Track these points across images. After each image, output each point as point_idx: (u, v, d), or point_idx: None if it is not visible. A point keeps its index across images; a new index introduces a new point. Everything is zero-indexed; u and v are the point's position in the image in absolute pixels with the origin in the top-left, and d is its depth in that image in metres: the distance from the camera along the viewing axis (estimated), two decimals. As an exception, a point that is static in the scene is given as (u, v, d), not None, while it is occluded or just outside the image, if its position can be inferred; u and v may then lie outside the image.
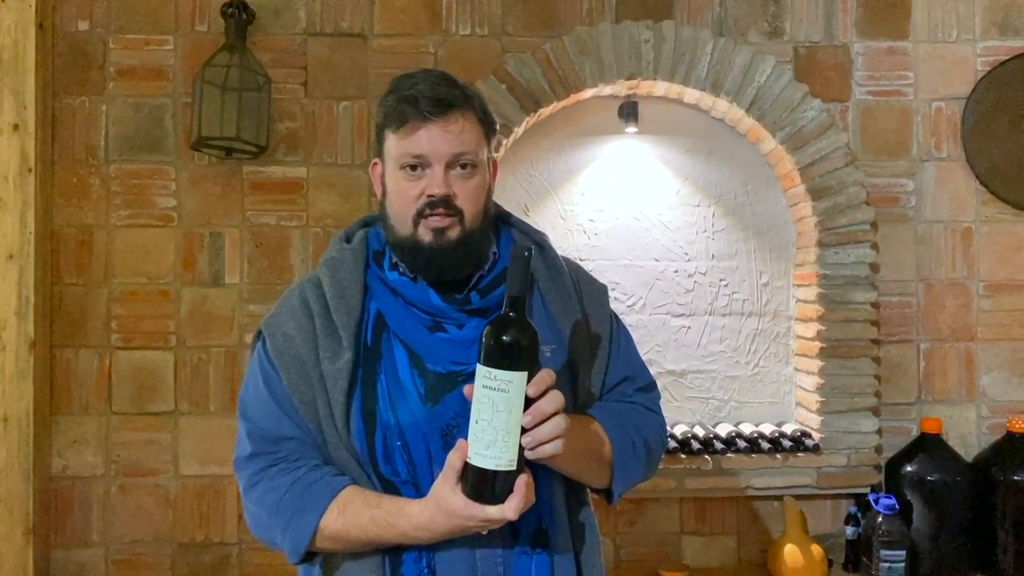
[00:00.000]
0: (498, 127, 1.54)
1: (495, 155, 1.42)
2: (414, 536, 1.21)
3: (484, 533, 1.23)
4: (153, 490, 2.56)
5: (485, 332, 1.13)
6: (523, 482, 1.13)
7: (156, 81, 2.59)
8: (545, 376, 1.15)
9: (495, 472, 1.11)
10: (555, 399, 1.15)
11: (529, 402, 1.13)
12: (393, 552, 1.26)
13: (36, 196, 2.47)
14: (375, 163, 1.39)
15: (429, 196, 1.28)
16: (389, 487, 1.27)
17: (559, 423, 1.14)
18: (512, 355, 1.11)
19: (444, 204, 1.28)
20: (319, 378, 1.29)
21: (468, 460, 1.12)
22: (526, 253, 1.15)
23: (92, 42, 2.59)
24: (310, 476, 1.28)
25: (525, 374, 1.11)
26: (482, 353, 1.12)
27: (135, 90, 2.59)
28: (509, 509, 1.12)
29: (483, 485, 1.12)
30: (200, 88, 2.42)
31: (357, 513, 1.23)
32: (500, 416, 1.10)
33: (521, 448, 1.12)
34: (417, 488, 1.25)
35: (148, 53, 2.59)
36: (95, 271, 2.56)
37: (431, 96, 1.27)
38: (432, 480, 1.21)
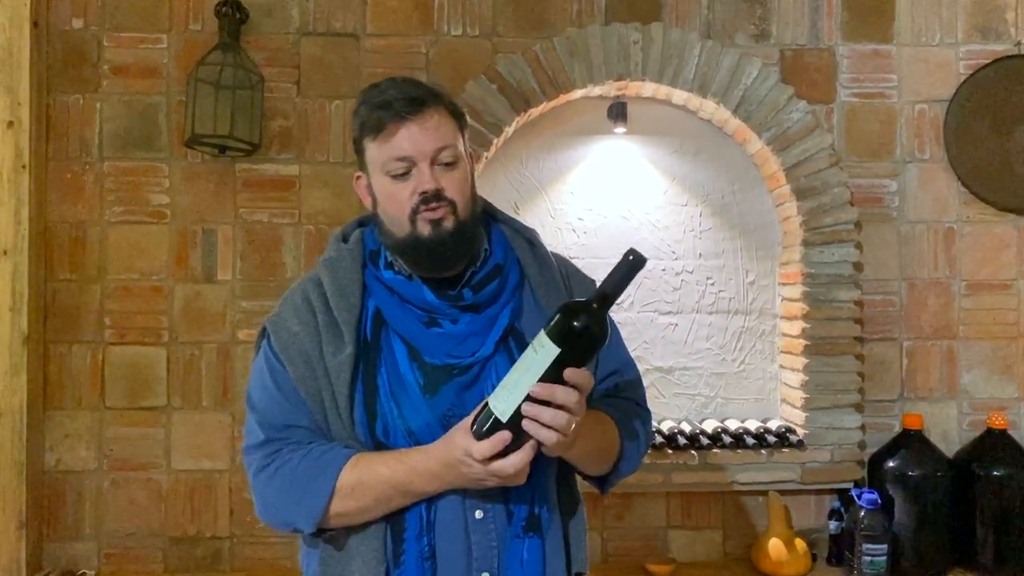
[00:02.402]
0: (470, 121, 1.58)
1: (471, 148, 1.45)
2: (422, 468, 1.26)
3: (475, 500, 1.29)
4: (145, 484, 2.58)
5: (563, 303, 1.19)
6: (500, 438, 1.18)
7: (150, 79, 2.61)
8: (583, 373, 1.18)
9: (491, 413, 1.18)
10: (570, 394, 1.17)
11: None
12: (395, 531, 1.31)
13: (30, 192, 2.48)
14: (358, 176, 1.42)
15: (421, 193, 1.31)
16: None
17: (560, 417, 1.17)
18: (559, 329, 1.16)
19: (436, 198, 1.32)
20: (323, 372, 1.33)
21: (488, 397, 1.21)
22: (631, 258, 1.18)
23: (86, 40, 2.60)
24: (321, 448, 1.33)
25: (557, 351, 1.15)
26: (550, 317, 1.19)
27: (129, 88, 2.61)
28: (478, 448, 1.19)
29: (479, 419, 1.20)
30: (194, 86, 2.44)
31: (370, 462, 1.29)
32: (519, 370, 1.17)
33: (520, 415, 1.16)
34: None
35: (142, 51, 2.61)
36: (89, 267, 2.58)
37: (403, 97, 1.32)
38: None
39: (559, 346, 1.15)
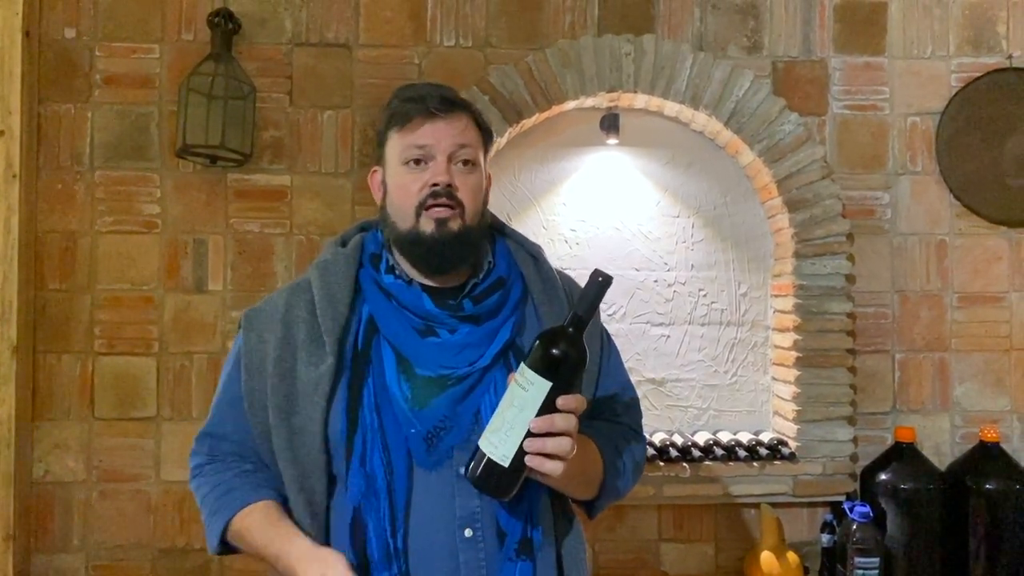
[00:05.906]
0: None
1: (488, 169, 1.46)
2: (284, 564, 1.26)
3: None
4: (134, 496, 2.56)
5: (539, 334, 1.19)
6: None
7: (142, 89, 2.60)
8: (576, 398, 1.18)
9: (489, 460, 1.16)
10: (568, 419, 1.17)
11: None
12: (360, 558, 1.26)
13: (21, 202, 2.47)
14: (374, 171, 1.43)
15: (432, 186, 1.31)
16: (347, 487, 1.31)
17: (563, 444, 1.16)
18: (545, 361, 1.15)
19: (447, 195, 1.31)
20: (288, 383, 1.34)
21: (478, 442, 1.18)
22: (600, 279, 1.19)
23: (78, 50, 2.60)
24: (233, 481, 1.36)
25: (550, 385, 1.14)
26: (527, 351, 1.19)
27: (121, 98, 2.60)
28: None
29: (477, 467, 1.17)
30: (185, 96, 2.43)
31: (254, 520, 1.32)
32: (512, 410, 1.15)
33: (522, 453, 1.15)
34: (391, 495, 1.26)
35: (134, 61, 2.61)
36: (79, 277, 2.57)
37: (436, 95, 1.34)
38: (408, 489, 1.25)
39: (550, 379, 1.14)
